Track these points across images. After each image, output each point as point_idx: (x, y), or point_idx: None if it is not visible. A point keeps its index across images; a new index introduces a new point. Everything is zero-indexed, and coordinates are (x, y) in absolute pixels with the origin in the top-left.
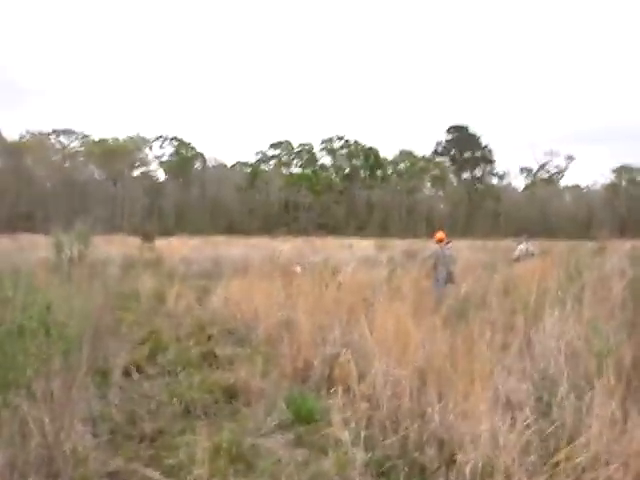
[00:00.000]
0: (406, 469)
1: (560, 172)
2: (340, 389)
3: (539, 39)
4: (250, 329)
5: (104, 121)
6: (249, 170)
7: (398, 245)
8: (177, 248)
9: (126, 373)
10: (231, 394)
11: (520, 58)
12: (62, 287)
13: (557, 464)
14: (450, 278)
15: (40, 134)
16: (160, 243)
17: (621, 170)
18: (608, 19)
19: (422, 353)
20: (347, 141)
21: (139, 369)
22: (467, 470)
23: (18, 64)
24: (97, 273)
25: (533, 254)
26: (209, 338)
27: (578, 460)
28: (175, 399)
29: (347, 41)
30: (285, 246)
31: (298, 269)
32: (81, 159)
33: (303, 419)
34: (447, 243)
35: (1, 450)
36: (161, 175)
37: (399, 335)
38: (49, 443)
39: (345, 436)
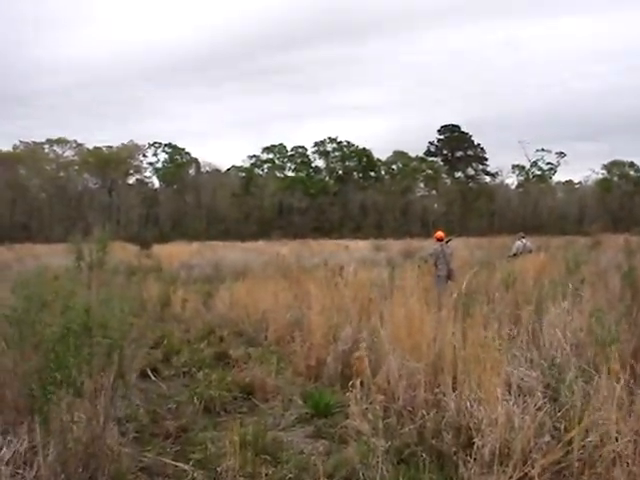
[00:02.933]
0: (425, 455)
1: (552, 169)
2: (356, 383)
3: (531, 31)
4: (259, 330)
5: (97, 129)
6: (243, 175)
7: (394, 245)
8: (176, 253)
9: (143, 375)
10: (248, 392)
11: (508, 57)
12: (92, 292)
13: (570, 442)
14: (450, 275)
15: (34, 144)
16: (158, 249)
17: (612, 165)
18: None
19: (434, 345)
20: (340, 143)
21: (155, 371)
22: (486, 452)
23: (7, 73)
24: (116, 279)
25: (531, 250)
26: (221, 340)
27: (590, 438)
28: (194, 398)
29: (338, 38)
30: (284, 249)
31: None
32: (75, 168)
33: (321, 413)
34: (447, 241)
35: (52, 445)
36: (156, 182)
37: (410, 329)
38: (88, 440)
39: (364, 427)
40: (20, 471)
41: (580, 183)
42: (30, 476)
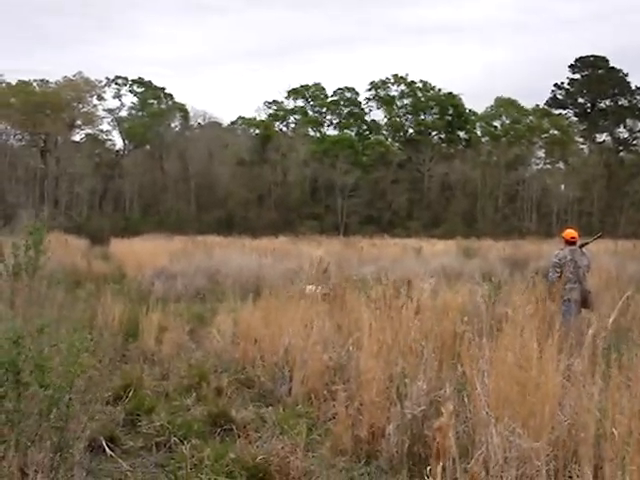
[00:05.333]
0: None
1: None
2: (436, 469)
3: None
4: (279, 380)
5: (25, 54)
6: (257, 132)
7: (494, 249)
8: (148, 254)
9: (95, 447)
10: (262, 478)
11: None
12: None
13: None
14: (586, 300)
15: None
16: (119, 246)
17: None
18: None
19: (562, 413)
20: (411, 84)
21: (113, 441)
22: None
23: None
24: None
25: None
26: (218, 393)
27: None
28: None
29: None
30: (319, 251)
31: (310, 288)
32: None
33: None
34: (582, 246)
35: None
36: (118, 140)
37: (523, 386)
38: None
39: None
40: None
41: None
42: None
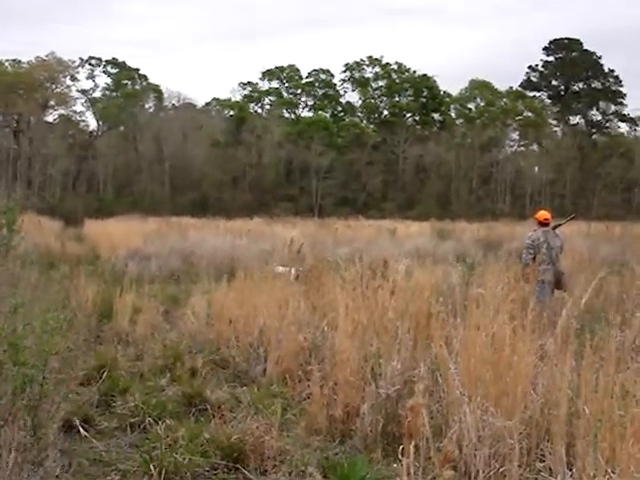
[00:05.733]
0: None
1: None
2: (408, 448)
3: None
4: (254, 360)
5: None
6: (231, 113)
7: (468, 230)
8: (121, 235)
9: (69, 427)
10: (236, 457)
11: None
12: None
13: None
14: (560, 281)
15: None
16: (93, 227)
17: None
18: None
19: (535, 393)
20: (386, 66)
21: (87, 422)
22: None
23: None
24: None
25: None
26: (192, 373)
27: None
28: (150, 466)
29: None
30: (293, 232)
31: (281, 269)
32: None
33: None
34: (555, 227)
35: None
36: (92, 121)
37: (496, 365)
38: None
39: None
40: None
41: None
42: None
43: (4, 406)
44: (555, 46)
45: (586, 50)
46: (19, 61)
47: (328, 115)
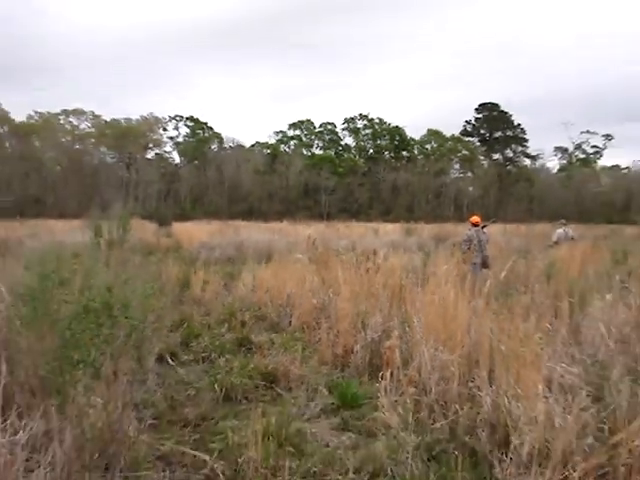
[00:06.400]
0: (457, 453)
1: (597, 152)
2: (386, 374)
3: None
4: (283, 315)
5: (116, 101)
6: (268, 151)
7: (426, 229)
8: (196, 233)
9: (160, 359)
10: (271, 380)
11: (552, 35)
12: (111, 271)
13: (615, 446)
14: (485, 262)
15: (48, 114)
16: (177, 227)
17: None
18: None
19: (469, 336)
20: (371, 120)
21: (173, 356)
22: (523, 452)
23: (24, 41)
24: (135, 259)
25: (573, 238)
26: (242, 324)
27: (638, 442)
28: (215, 385)
29: (368, 16)
30: (309, 231)
31: (299, 256)
32: (92, 141)
33: (348, 404)
34: (483, 227)
35: (67, 430)
36: (176, 157)
37: (444, 318)
38: (104, 425)
39: (394, 420)
40: (35, 456)
41: (628, 168)
42: (45, 461)
43: (119, 345)
44: (482, 107)
45: (502, 110)
46: (129, 118)
47: (333, 153)
